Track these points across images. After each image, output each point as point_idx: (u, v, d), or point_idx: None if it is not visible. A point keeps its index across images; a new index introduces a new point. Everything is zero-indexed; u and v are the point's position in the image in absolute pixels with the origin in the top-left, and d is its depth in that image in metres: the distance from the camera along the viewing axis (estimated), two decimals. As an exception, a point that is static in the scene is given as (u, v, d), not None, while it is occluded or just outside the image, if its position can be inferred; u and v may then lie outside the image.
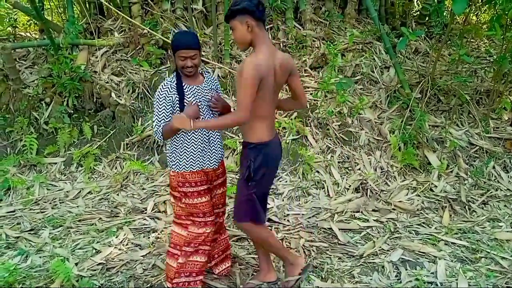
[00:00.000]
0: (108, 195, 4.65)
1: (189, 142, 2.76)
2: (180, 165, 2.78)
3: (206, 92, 2.81)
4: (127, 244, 3.72)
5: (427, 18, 6.83)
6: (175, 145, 2.79)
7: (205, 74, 2.90)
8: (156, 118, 2.71)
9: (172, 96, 2.70)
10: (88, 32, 6.19)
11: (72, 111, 5.51)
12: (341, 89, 5.04)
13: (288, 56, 2.86)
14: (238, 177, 2.90)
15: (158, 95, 2.72)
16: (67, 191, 4.76)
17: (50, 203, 4.56)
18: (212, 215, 2.87)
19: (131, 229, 3.95)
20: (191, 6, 6.09)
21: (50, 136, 5.42)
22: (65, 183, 4.91)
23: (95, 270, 3.35)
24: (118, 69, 5.76)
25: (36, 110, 5.53)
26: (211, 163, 2.83)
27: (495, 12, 5.32)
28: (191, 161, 2.77)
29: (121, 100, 5.43)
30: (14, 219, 4.27)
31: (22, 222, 4.18)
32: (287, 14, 6.26)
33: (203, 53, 5.82)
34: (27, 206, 4.51)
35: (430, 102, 5.51)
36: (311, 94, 5.48)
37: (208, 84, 2.86)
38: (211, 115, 2.82)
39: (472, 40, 6.81)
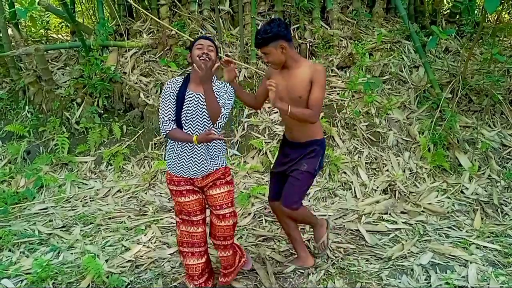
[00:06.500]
0: (137, 194, 4.73)
1: (176, 148, 2.77)
2: (168, 164, 2.84)
3: None
4: (155, 242, 3.78)
5: (457, 16, 6.70)
6: (169, 145, 2.84)
7: (215, 82, 2.78)
8: (163, 115, 2.71)
9: (174, 95, 2.72)
10: (118, 34, 6.32)
11: (102, 111, 5.64)
12: (369, 89, 4.98)
13: None
14: (300, 169, 3.02)
15: (164, 93, 2.75)
16: (97, 189, 4.87)
17: (81, 201, 4.67)
18: (198, 214, 2.83)
19: (159, 228, 4.01)
20: (218, 7, 6.13)
21: (81, 135, 5.56)
22: (95, 181, 5.02)
23: (124, 267, 3.41)
24: (147, 70, 5.85)
25: (67, 110, 5.68)
26: (192, 172, 2.75)
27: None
28: (175, 165, 2.78)
29: (149, 100, 5.52)
30: (46, 216, 4.39)
31: (54, 219, 4.30)
32: (314, 13, 6.23)
33: (229, 53, 5.86)
34: (59, 203, 4.64)
35: (461, 102, 5.39)
36: (338, 94, 5.44)
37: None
38: (208, 125, 2.70)
39: (504, 38, 6.62)
